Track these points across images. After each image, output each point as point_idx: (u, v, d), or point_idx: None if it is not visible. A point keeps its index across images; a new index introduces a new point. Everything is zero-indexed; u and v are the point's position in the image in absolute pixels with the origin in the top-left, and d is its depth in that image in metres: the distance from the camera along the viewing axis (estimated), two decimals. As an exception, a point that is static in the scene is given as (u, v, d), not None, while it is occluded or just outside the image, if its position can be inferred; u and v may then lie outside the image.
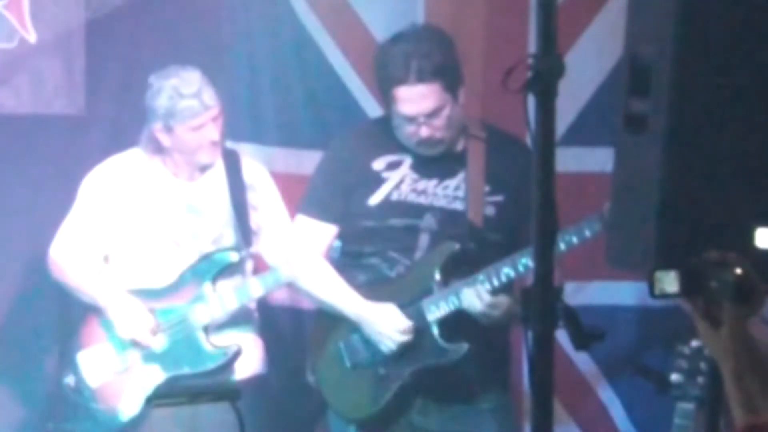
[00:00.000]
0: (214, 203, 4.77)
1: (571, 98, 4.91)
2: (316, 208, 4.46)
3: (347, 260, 4.47)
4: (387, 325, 4.29)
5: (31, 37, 5.04)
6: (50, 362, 5.07)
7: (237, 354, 4.69)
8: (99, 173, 4.77)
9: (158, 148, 4.74)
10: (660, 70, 2.47)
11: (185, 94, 4.64)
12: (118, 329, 4.66)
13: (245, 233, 4.74)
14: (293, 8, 5.22)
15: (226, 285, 4.72)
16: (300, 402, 4.89)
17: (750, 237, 2.51)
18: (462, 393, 4.38)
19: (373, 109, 5.18)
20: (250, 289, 4.71)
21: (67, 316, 4.93)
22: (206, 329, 4.70)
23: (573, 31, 4.96)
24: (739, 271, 2.51)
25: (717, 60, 2.47)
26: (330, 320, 4.44)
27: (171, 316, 4.69)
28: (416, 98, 4.26)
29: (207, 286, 4.69)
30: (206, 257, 4.72)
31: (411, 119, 4.28)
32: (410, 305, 4.31)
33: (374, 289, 4.36)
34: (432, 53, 4.28)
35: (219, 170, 4.79)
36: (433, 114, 4.26)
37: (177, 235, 4.75)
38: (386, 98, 4.36)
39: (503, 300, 4.25)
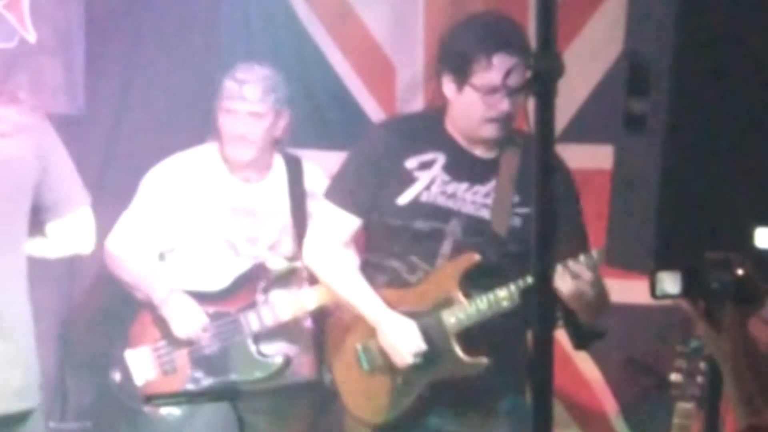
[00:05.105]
0: (273, 209, 4.68)
1: (570, 95, 4.91)
2: (343, 197, 4.30)
3: (368, 258, 4.37)
4: (402, 342, 4.19)
5: (31, 36, 5.03)
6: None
7: (285, 365, 4.63)
8: (162, 168, 4.70)
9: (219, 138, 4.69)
10: (660, 70, 2.47)
11: (236, 78, 4.63)
12: (173, 327, 4.58)
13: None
14: (293, 8, 5.22)
15: (280, 294, 4.64)
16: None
17: (750, 237, 2.50)
18: (479, 399, 4.29)
19: (373, 109, 5.19)
20: (304, 300, 4.61)
21: (117, 311, 4.78)
22: (256, 337, 4.62)
23: (571, 28, 4.97)
24: (740, 271, 2.51)
25: (717, 59, 2.47)
26: (347, 320, 4.33)
27: (222, 322, 4.61)
28: (508, 68, 4.09)
29: (260, 294, 4.62)
30: (262, 264, 4.65)
31: (494, 90, 4.15)
32: (429, 314, 4.20)
33: (394, 291, 4.26)
34: (521, 32, 4.21)
35: (281, 175, 4.72)
36: (516, 89, 4.11)
37: (234, 238, 4.67)
38: (464, 70, 4.18)
39: (598, 276, 4.02)
